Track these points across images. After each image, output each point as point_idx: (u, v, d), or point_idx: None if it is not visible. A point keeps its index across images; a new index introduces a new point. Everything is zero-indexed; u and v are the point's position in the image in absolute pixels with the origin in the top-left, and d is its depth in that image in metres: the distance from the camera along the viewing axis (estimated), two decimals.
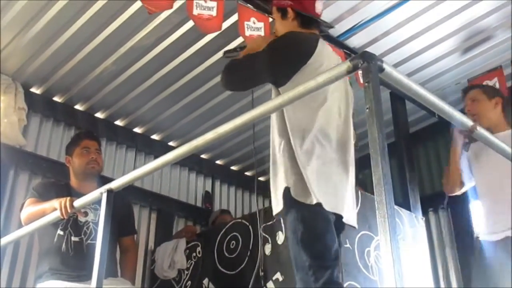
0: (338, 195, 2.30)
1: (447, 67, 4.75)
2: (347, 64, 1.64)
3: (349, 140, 2.44)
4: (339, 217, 2.31)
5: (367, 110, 1.54)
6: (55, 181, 3.82)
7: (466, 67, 4.73)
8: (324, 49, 2.44)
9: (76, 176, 3.47)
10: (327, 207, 2.21)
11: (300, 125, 2.29)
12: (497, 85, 4.42)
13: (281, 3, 2.57)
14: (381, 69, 1.63)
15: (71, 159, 3.51)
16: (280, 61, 2.35)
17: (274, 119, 2.39)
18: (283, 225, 3.72)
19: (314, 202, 2.19)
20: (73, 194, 3.21)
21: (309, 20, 2.53)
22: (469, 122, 2.02)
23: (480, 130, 2.06)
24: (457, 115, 1.97)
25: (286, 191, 2.27)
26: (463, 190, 3.40)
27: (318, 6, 2.56)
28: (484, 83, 4.46)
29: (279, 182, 2.33)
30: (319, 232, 2.20)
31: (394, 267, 1.31)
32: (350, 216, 2.38)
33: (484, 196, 3.21)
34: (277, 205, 2.35)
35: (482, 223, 3.20)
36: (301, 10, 2.51)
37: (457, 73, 4.83)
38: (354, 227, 2.46)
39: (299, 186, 2.24)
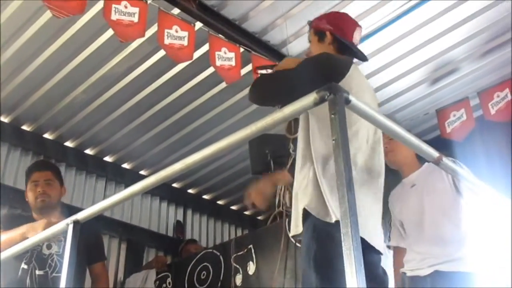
0: (362, 218, 2.23)
1: (416, 97, 4.83)
2: (313, 96, 1.64)
3: (376, 166, 2.40)
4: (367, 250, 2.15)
5: (334, 142, 1.54)
6: (20, 212, 3.75)
7: (435, 98, 4.82)
8: (356, 74, 2.39)
9: (33, 210, 3.41)
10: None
11: (324, 148, 2.24)
12: (464, 116, 4.51)
13: (321, 27, 2.55)
14: (348, 101, 1.64)
15: (26, 194, 3.46)
16: (312, 80, 2.25)
17: (300, 142, 2.35)
18: (254, 255, 3.70)
19: (334, 220, 2.12)
20: None
21: (345, 47, 2.51)
22: (435, 153, 2.04)
23: (446, 161, 2.08)
24: (423, 146, 1.98)
25: (306, 210, 2.20)
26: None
27: (356, 36, 2.56)
28: (452, 114, 4.55)
29: (300, 202, 2.27)
30: (332, 253, 2.06)
31: None
32: (377, 241, 2.28)
33: (409, 234, 3.28)
34: (296, 227, 2.27)
35: (408, 259, 3.24)
36: (340, 36, 2.51)
37: (426, 104, 4.91)
38: (380, 253, 2.32)
39: (320, 205, 2.17)
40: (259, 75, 2.73)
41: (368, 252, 2.17)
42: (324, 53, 2.44)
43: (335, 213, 2.13)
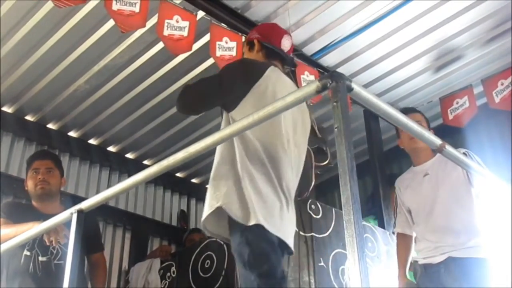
0: (280, 218, 2.33)
1: (419, 85, 4.82)
2: (316, 84, 1.64)
3: (297, 167, 2.50)
4: (281, 240, 2.33)
5: (336, 129, 1.54)
6: (19, 201, 3.78)
7: (438, 86, 4.80)
8: (274, 75, 2.50)
9: (32, 198, 3.43)
10: (271, 229, 2.24)
11: (248, 145, 2.33)
12: (467, 103, 4.50)
13: (251, 37, 2.71)
14: (350, 89, 1.63)
15: (26, 183, 3.47)
16: (229, 84, 2.44)
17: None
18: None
19: (255, 222, 2.20)
20: (37, 215, 3.16)
21: (273, 53, 2.64)
22: (438, 141, 2.03)
23: (449, 148, 2.08)
24: (426, 134, 1.98)
25: (227, 211, 2.26)
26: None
27: (285, 43, 2.68)
28: (455, 101, 4.54)
29: (218, 200, 2.30)
30: (264, 252, 2.22)
31: (362, 286, 1.31)
32: (290, 242, 2.40)
33: (419, 223, 3.27)
34: (217, 226, 2.36)
35: (420, 248, 3.24)
36: (266, 42, 2.64)
37: (429, 92, 4.90)
38: (291, 253, 2.45)
39: (242, 208, 2.24)
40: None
41: (282, 251, 2.34)
42: (242, 58, 2.62)
43: (256, 216, 2.20)
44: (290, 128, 2.47)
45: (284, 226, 2.34)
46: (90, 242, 3.38)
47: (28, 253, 3.20)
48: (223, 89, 2.44)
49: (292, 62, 2.76)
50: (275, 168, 2.35)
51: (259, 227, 2.20)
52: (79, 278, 2.41)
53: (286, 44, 2.67)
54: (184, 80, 4.54)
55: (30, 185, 3.41)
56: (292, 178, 2.44)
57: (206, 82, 2.55)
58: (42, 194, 3.37)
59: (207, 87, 2.51)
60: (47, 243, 3.07)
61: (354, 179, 1.46)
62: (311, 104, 4.04)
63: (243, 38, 3.80)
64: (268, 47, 2.63)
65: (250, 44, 2.69)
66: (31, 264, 3.18)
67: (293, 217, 2.45)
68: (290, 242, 2.37)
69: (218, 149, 2.42)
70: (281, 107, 1.72)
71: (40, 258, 3.20)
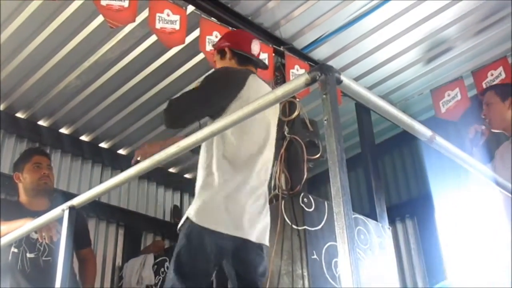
0: (249, 220, 2.40)
1: (410, 78, 4.83)
2: (305, 77, 1.64)
3: (267, 165, 2.58)
4: (243, 245, 2.39)
5: (325, 122, 1.54)
6: (6, 199, 3.77)
7: (429, 78, 4.81)
8: (254, 84, 2.57)
9: (27, 192, 3.40)
10: (228, 230, 2.33)
11: (226, 148, 2.44)
12: (459, 96, 4.50)
13: (221, 46, 2.75)
14: (339, 81, 1.63)
15: (21, 176, 3.43)
16: (213, 95, 2.50)
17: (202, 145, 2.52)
18: None
19: (213, 228, 2.32)
20: (24, 211, 3.16)
21: (245, 58, 2.69)
22: (428, 132, 2.04)
23: (439, 139, 2.08)
24: (416, 125, 1.98)
25: (191, 211, 2.40)
26: None
27: (254, 47, 2.73)
28: (446, 93, 4.53)
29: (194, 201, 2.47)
30: (194, 254, 2.32)
31: (353, 278, 1.31)
32: (261, 236, 2.48)
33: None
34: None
35: None
36: (237, 49, 2.68)
37: (420, 84, 4.91)
38: (266, 245, 2.53)
39: (201, 210, 2.38)
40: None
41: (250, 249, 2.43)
42: (224, 67, 2.65)
43: (215, 223, 2.33)
44: (263, 130, 2.56)
45: (253, 227, 2.41)
46: (78, 237, 3.37)
47: (16, 250, 3.19)
48: (206, 101, 2.50)
49: (264, 65, 2.81)
50: (248, 171, 2.44)
51: (204, 228, 2.32)
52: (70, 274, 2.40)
53: (255, 49, 2.74)
54: (175, 75, 4.54)
55: (30, 178, 3.37)
56: (264, 180, 2.55)
57: (190, 95, 2.61)
58: (44, 188, 3.37)
59: (191, 100, 2.56)
60: (40, 240, 3.06)
61: (344, 171, 1.46)
62: (298, 100, 4.05)
63: None
64: (239, 54, 2.68)
65: (221, 52, 2.73)
66: (19, 261, 3.17)
67: (266, 218, 2.53)
68: (260, 237, 2.45)
69: (201, 154, 2.51)
70: (271, 100, 1.71)
71: (28, 255, 3.19)
